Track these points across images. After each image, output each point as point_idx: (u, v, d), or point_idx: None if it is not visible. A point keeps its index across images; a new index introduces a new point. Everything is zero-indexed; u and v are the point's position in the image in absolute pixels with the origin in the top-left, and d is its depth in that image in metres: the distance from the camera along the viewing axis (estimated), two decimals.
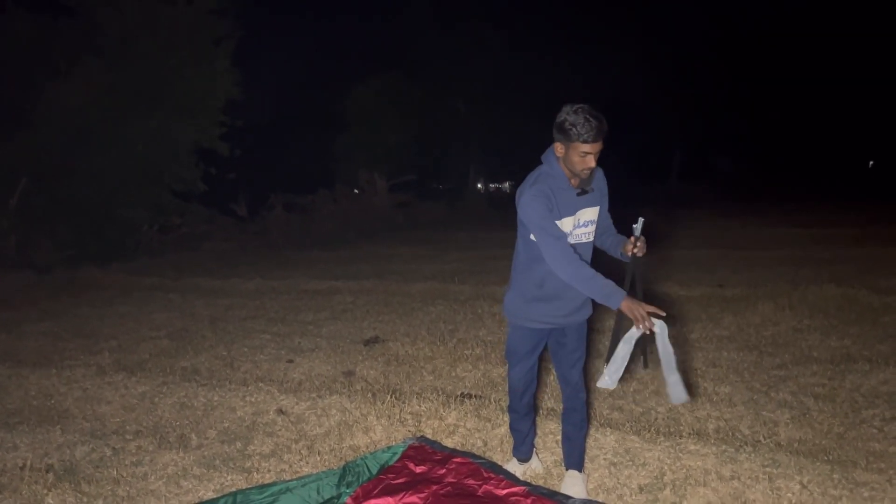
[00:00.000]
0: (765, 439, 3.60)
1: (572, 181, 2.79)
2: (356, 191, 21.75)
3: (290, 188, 18.81)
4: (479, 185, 28.42)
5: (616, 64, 24.95)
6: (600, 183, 2.94)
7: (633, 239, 2.83)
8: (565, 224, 2.80)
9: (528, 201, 2.76)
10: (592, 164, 2.69)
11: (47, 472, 3.62)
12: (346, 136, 22.13)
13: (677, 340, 5.51)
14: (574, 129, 2.62)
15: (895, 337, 5.30)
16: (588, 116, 2.61)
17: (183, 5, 14.47)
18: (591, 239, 2.94)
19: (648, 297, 7.06)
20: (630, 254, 2.85)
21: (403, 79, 22.36)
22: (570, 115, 2.64)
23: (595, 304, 3.00)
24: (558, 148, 2.73)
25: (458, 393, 4.50)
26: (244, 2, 15.92)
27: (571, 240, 2.84)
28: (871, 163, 34.14)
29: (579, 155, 2.66)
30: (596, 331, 5.92)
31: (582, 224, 2.87)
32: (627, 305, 2.64)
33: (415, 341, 5.91)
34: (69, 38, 14.10)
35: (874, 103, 28.51)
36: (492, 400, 4.27)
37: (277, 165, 22.75)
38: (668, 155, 30.25)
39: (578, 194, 2.81)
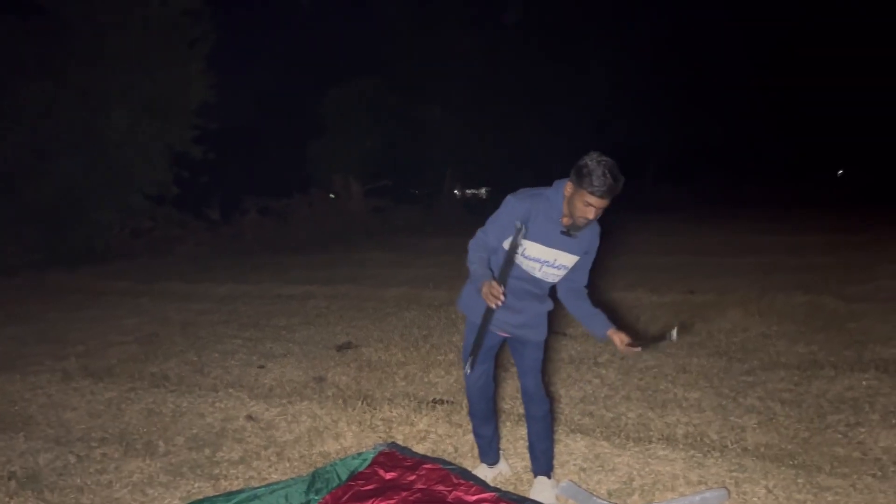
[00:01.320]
0: (732, 444, 3.64)
1: (564, 219, 2.81)
2: (331, 195, 21.66)
3: (265, 192, 18.69)
4: (456, 191, 28.44)
5: (593, 66, 25.15)
6: (591, 237, 2.92)
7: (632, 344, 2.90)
8: (532, 248, 2.84)
9: (509, 199, 2.87)
10: (591, 216, 2.70)
11: (9, 479, 3.55)
12: (321, 140, 22.03)
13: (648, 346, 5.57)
14: (588, 179, 2.62)
15: (860, 343, 5.39)
16: (606, 172, 2.61)
17: (156, 6, 14.33)
18: (555, 281, 2.98)
19: (618, 303, 7.11)
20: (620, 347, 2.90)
21: (380, 83, 22.33)
22: (591, 162, 2.64)
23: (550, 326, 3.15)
24: (568, 187, 2.74)
25: (430, 399, 4.49)
26: (219, 4, 15.80)
27: (537, 273, 2.90)
28: (840, 172, 34.79)
29: (583, 203, 2.67)
30: (569, 336, 5.96)
31: (555, 265, 2.89)
32: (485, 288, 2.74)
33: (388, 347, 5.89)
34: (39, 37, 13.89)
35: (843, 113, 29.07)
36: (463, 406, 4.26)
37: (252, 169, 22.56)
38: (644, 159, 30.56)
39: (562, 233, 2.83)
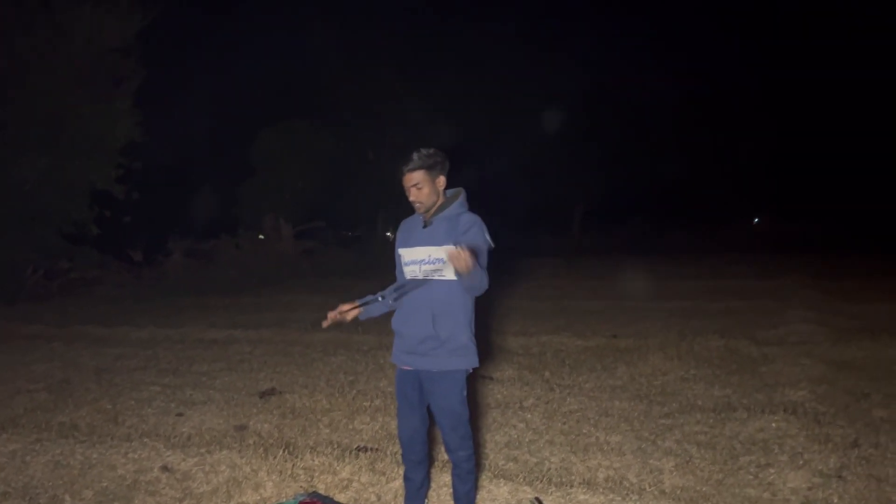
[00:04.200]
0: (650, 487, 3.72)
1: (425, 216, 3.08)
2: (261, 236, 21.34)
3: (191, 233, 18.28)
4: (389, 234, 28.48)
5: (524, 116, 25.87)
6: (462, 224, 2.96)
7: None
8: (406, 254, 3.09)
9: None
10: (412, 197, 2.98)
11: None
12: (251, 181, 21.77)
13: (572, 391, 5.67)
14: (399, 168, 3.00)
15: (771, 386, 5.63)
16: (410, 154, 2.94)
17: (82, 43, 14.00)
18: (443, 277, 2.93)
19: (545, 346, 7.20)
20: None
21: (313, 125, 22.32)
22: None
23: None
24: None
25: (355, 446, 4.43)
26: (150, 41, 15.57)
27: (419, 274, 3.00)
28: (756, 220, 36.60)
29: (406, 188, 3.00)
30: (495, 380, 6.00)
31: (430, 260, 2.98)
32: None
33: (313, 393, 5.78)
34: None
35: (760, 164, 30.77)
36: (388, 453, 4.23)
37: (178, 209, 22.06)
38: (571, 208, 31.40)
39: (423, 228, 3.06)
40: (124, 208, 15.68)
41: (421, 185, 2.94)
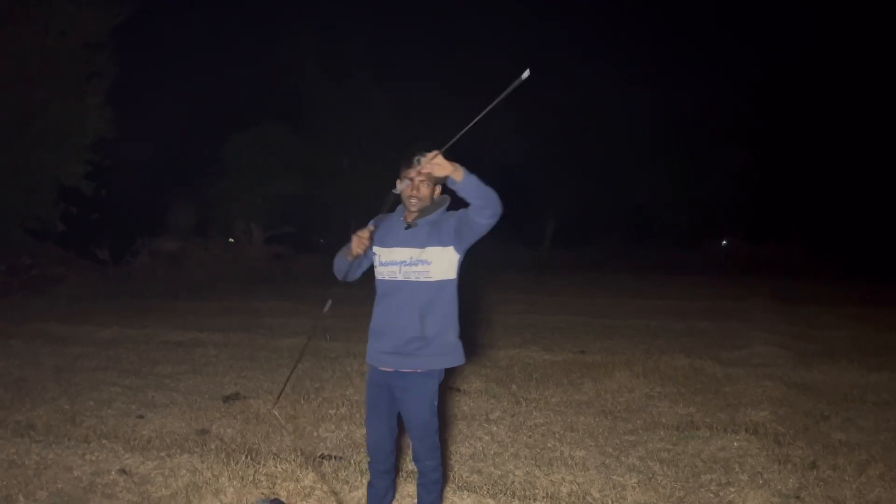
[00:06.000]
0: (613, 503, 3.74)
1: (406, 217, 3.06)
2: (231, 239, 21.12)
3: (160, 233, 18.00)
4: None
5: (500, 131, 26.03)
6: (448, 221, 2.98)
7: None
8: (384, 254, 3.03)
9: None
10: (409, 191, 2.94)
11: None
12: (223, 183, 21.55)
13: (538, 405, 5.69)
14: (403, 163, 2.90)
15: (734, 406, 5.71)
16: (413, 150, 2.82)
17: (54, 36, 13.77)
18: (428, 279, 2.93)
19: (513, 360, 7.22)
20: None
21: (289, 130, 22.21)
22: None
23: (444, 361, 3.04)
24: (399, 185, 2.98)
25: (318, 454, 4.38)
26: (123, 38, 15.37)
27: (399, 276, 2.96)
28: (725, 242, 37.17)
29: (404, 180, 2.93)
30: (462, 392, 6.00)
31: (413, 262, 2.94)
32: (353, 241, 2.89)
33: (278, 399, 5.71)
34: None
35: (731, 185, 31.28)
36: (352, 462, 4.19)
37: (148, 209, 21.73)
38: (543, 223, 31.58)
39: (406, 229, 3.02)
40: (92, 205, 15.40)
41: (427, 183, 2.94)
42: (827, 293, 15.51)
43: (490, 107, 2.50)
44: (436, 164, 2.65)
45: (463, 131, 2.60)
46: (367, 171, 24.46)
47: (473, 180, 2.71)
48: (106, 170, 15.37)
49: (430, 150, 2.66)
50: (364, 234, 2.87)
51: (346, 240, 2.98)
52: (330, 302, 3.04)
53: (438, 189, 3.04)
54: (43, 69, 13.73)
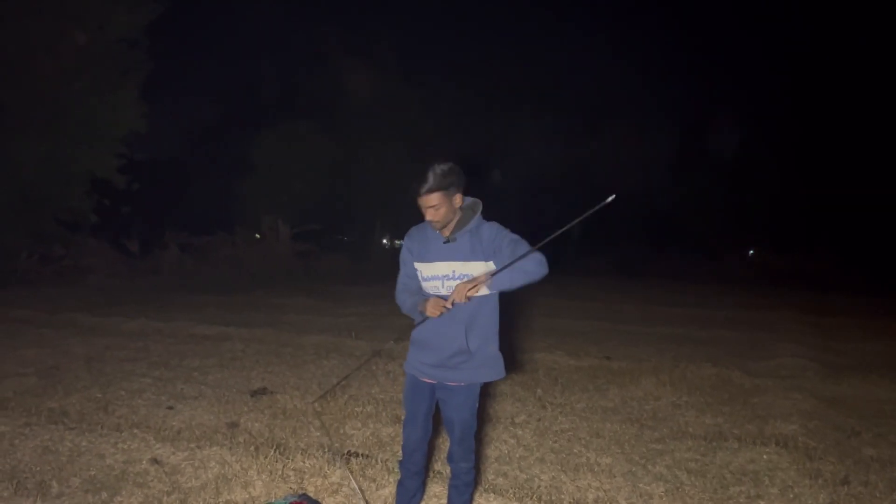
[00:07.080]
0: None
1: (443, 231, 2.98)
2: (257, 235, 21.30)
3: (188, 227, 18.22)
4: (385, 241, 28.47)
5: (530, 130, 26.04)
6: (488, 236, 2.92)
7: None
8: (425, 269, 3.00)
9: (404, 239, 3.16)
10: (429, 217, 2.90)
11: None
12: (251, 179, 21.75)
13: (564, 410, 5.66)
14: (412, 189, 2.86)
15: (762, 418, 5.63)
16: (421, 176, 2.82)
17: (92, 31, 14.01)
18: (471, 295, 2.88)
19: (538, 364, 7.18)
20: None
21: (317, 128, 22.35)
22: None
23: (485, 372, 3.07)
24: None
25: (345, 451, 4.41)
26: (159, 35, 15.59)
27: (442, 290, 2.93)
28: (752, 252, 36.69)
29: (422, 209, 2.90)
30: (487, 395, 6.00)
31: (455, 277, 2.91)
32: (428, 306, 2.87)
33: (304, 395, 5.77)
34: None
35: (758, 194, 30.93)
36: (379, 460, 4.21)
37: (177, 203, 22.01)
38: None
39: (444, 243, 2.97)
40: (124, 198, 15.65)
41: (438, 206, 2.84)
42: (855, 306, 15.25)
43: (571, 224, 2.74)
44: (465, 298, 2.75)
45: (522, 255, 2.73)
46: (394, 170, 24.58)
47: (504, 282, 2.79)
48: (138, 164, 15.62)
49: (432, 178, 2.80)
50: (448, 304, 2.82)
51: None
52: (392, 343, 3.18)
53: (458, 197, 2.92)
54: (80, 64, 13.98)
